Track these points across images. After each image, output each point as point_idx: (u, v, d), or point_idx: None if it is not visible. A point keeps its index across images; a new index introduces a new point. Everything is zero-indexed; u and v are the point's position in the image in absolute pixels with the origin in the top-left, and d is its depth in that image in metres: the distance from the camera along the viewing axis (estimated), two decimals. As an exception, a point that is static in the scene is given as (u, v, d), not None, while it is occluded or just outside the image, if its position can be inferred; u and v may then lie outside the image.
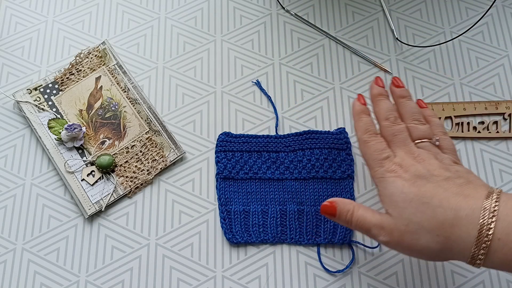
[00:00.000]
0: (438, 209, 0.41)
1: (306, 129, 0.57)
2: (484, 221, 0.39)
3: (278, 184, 0.55)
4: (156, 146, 0.57)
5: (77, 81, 0.59)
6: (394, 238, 0.43)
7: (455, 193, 0.42)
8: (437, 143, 0.47)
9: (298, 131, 0.57)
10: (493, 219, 0.39)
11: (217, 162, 0.56)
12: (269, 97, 0.59)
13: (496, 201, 0.40)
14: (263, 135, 0.57)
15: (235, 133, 0.58)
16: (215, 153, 0.56)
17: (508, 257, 0.39)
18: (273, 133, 0.58)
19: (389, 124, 0.48)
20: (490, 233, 0.39)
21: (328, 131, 0.57)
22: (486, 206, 0.40)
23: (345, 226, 0.50)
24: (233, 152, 0.56)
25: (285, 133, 0.57)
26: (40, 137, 0.57)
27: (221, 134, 0.57)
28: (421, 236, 0.41)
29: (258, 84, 0.60)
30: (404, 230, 0.42)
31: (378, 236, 0.44)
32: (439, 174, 0.43)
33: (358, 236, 0.54)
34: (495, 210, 0.40)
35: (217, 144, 0.57)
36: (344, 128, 0.57)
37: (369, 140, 0.47)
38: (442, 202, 0.41)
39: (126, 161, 0.56)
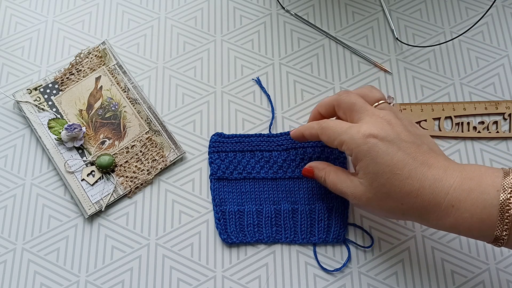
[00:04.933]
0: (406, 180, 0.44)
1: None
2: (505, 197, 0.41)
3: (272, 184, 0.55)
4: (156, 146, 0.57)
5: (77, 81, 0.59)
6: (362, 202, 0.47)
7: (421, 163, 0.44)
8: (392, 101, 0.50)
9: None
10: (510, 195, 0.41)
11: (210, 163, 0.56)
12: (268, 96, 0.59)
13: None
14: (255, 134, 0.57)
15: (235, 133, 0.58)
16: (208, 154, 0.56)
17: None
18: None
19: (343, 96, 0.49)
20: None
21: None
22: (505, 184, 0.42)
23: (339, 223, 0.53)
24: (226, 152, 0.56)
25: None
26: (40, 137, 0.57)
27: (213, 134, 0.57)
28: (387, 203, 0.45)
29: (258, 81, 0.60)
30: (372, 197, 0.46)
31: (348, 198, 0.48)
32: (406, 138, 0.45)
33: (352, 235, 0.54)
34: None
35: (210, 145, 0.57)
36: None
37: (326, 125, 0.48)
38: (411, 173, 0.44)
39: (126, 161, 0.56)
